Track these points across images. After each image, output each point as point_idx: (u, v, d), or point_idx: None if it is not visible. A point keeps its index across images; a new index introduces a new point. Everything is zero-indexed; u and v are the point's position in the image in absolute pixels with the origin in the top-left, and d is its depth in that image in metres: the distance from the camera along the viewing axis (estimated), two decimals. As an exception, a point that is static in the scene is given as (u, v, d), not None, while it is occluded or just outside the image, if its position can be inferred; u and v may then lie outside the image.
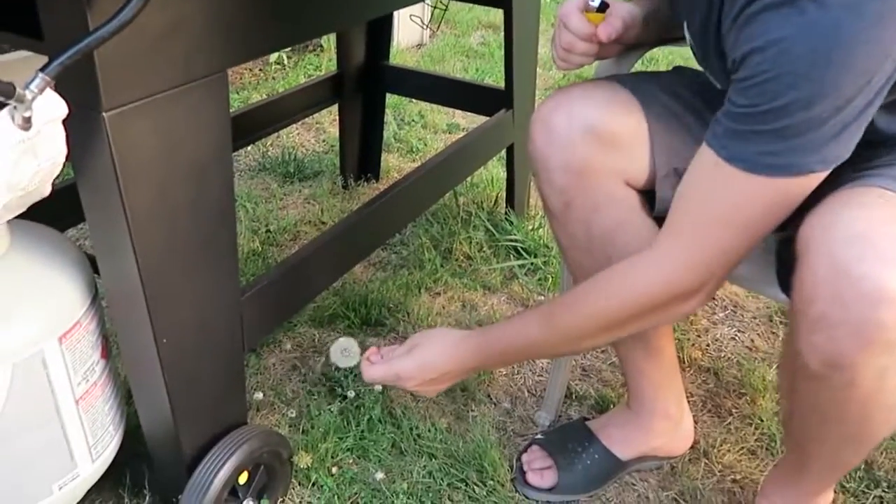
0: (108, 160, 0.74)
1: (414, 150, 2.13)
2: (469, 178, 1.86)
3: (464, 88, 1.76)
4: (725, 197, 0.74)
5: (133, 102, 0.74)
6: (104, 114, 0.72)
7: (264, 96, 2.41)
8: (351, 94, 1.80)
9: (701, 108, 0.93)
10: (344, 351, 1.05)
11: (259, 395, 1.21)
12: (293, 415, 1.18)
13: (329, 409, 1.19)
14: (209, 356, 0.92)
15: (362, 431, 1.15)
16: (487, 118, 1.60)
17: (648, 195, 0.95)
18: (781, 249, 0.85)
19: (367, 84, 1.79)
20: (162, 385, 0.86)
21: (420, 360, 0.93)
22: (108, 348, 0.90)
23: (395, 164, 2.04)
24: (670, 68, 1.03)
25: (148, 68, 0.74)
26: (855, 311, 0.64)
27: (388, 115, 2.28)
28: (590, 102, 0.90)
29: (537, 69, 2.75)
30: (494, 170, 1.93)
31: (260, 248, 1.60)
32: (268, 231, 1.67)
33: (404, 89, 1.84)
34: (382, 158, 1.96)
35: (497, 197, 1.81)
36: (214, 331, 0.92)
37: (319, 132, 2.24)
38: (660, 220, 0.96)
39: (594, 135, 0.89)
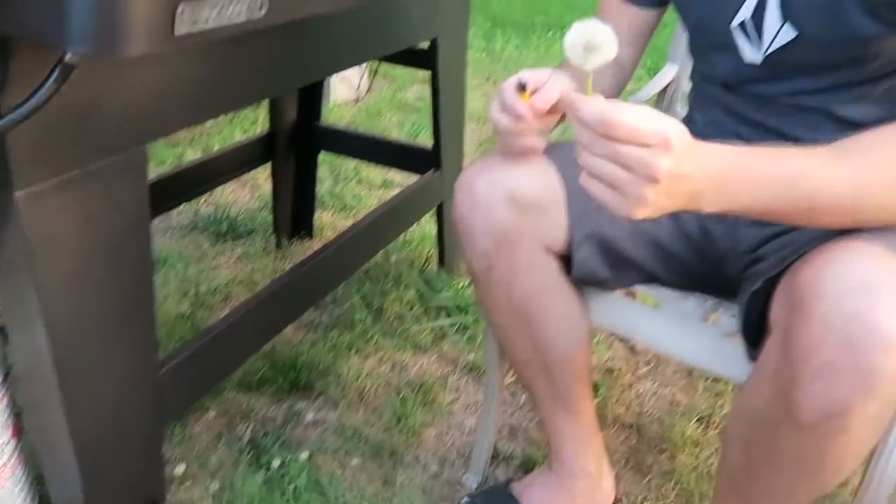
0: (20, 238, 0.73)
1: (348, 206, 2.14)
2: (402, 236, 1.88)
3: (394, 148, 1.79)
4: None
5: (46, 181, 0.74)
6: (16, 193, 0.71)
7: (199, 152, 2.40)
8: (283, 154, 1.82)
9: None
10: (587, 44, 0.70)
11: (181, 468, 1.18)
12: (216, 487, 1.16)
13: (254, 480, 1.17)
14: (124, 432, 0.90)
15: (287, 501, 1.14)
16: (420, 176, 1.63)
17: (569, 259, 0.98)
18: (752, 305, 0.86)
19: (299, 144, 1.81)
20: (74, 464, 0.84)
21: (661, 121, 0.67)
22: (20, 427, 0.87)
23: (329, 221, 2.05)
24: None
25: (62, 147, 0.74)
26: (865, 358, 0.66)
27: (324, 171, 2.30)
28: (511, 169, 0.93)
29: (472, 124, 2.83)
30: (427, 226, 1.96)
31: (189, 311, 1.58)
32: (197, 293, 1.65)
33: (337, 148, 1.86)
34: (317, 215, 1.98)
35: (429, 255, 1.84)
36: (130, 406, 0.90)
37: (254, 189, 2.24)
38: (578, 283, 1.01)
39: (515, 201, 0.92)
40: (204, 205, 2.12)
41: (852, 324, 0.67)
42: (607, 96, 1.04)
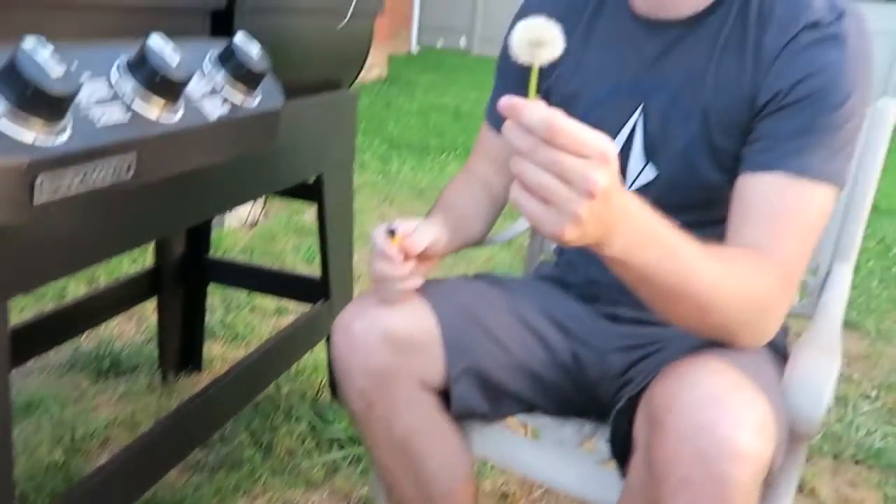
0: None
1: (240, 336, 2.11)
2: (294, 366, 1.86)
3: (284, 279, 1.80)
4: (804, 211, 0.84)
5: None
6: None
7: (83, 284, 2.33)
8: (170, 288, 1.79)
9: (500, 306, 1.02)
10: (533, 40, 0.68)
11: None
12: None
13: None
14: None
15: None
16: (312, 305, 1.64)
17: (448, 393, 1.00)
18: (618, 425, 0.90)
19: (187, 277, 1.79)
20: None
21: (600, 136, 0.65)
22: None
23: (219, 353, 2.01)
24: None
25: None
26: (717, 469, 0.70)
27: (215, 299, 2.26)
28: (386, 309, 0.96)
29: (367, 247, 2.87)
30: (321, 354, 1.95)
31: (62, 460, 1.49)
32: (73, 438, 1.56)
33: (226, 280, 1.85)
34: (206, 347, 1.93)
35: (321, 384, 1.82)
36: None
37: (141, 321, 2.18)
38: (458, 418, 1.02)
39: (391, 341, 0.94)
40: (85, 340, 2.03)
41: (702, 437, 0.72)
42: (482, 224, 1.11)
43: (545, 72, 1.01)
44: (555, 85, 1.03)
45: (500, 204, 1.14)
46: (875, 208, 4.76)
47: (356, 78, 1.55)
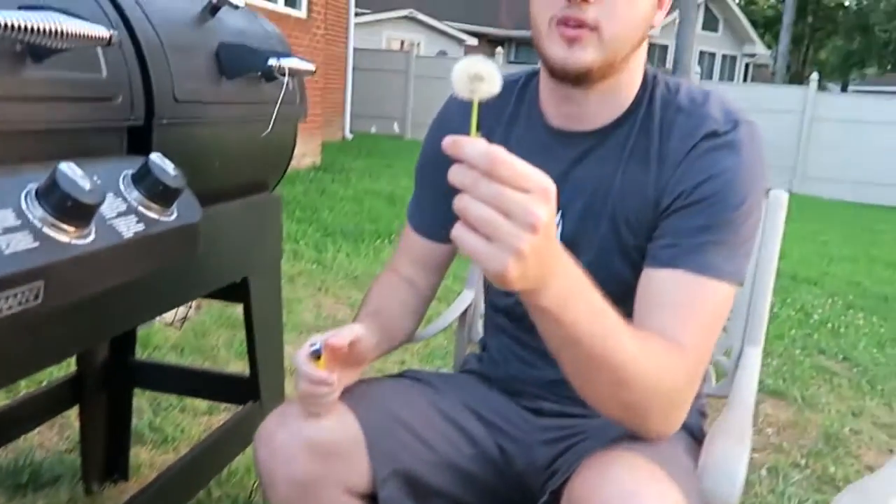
0: None
1: (169, 439, 2.04)
2: (226, 468, 1.80)
3: (213, 379, 1.77)
4: (706, 306, 0.89)
5: None
6: None
7: (1, 394, 2.23)
8: (94, 394, 1.73)
9: (426, 409, 1.03)
10: (473, 75, 0.68)
11: None
12: None
13: None
14: None
15: None
16: (242, 406, 1.61)
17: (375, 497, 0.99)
18: None
19: (111, 382, 1.74)
20: None
21: (540, 171, 0.65)
22: None
23: (147, 459, 1.93)
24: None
25: None
26: None
27: (143, 401, 2.19)
28: (308, 417, 0.96)
29: (303, 337, 2.83)
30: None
31: (-30, 589, 1.39)
32: (-17, 564, 1.47)
33: (152, 384, 1.81)
34: (134, 452, 1.86)
35: (254, 487, 1.77)
36: None
37: (63, 428, 2.09)
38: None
39: (314, 449, 0.94)
40: (3, 452, 1.93)
41: None
42: (411, 324, 1.13)
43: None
44: None
45: (427, 301, 1.17)
46: (793, 278, 5.00)
47: (281, 179, 1.58)
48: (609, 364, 0.78)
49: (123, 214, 0.83)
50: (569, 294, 0.73)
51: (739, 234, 0.91)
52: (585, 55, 0.88)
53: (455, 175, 0.64)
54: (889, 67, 28.44)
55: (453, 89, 0.69)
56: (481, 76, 0.67)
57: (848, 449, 2.49)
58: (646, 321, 0.87)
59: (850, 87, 24.26)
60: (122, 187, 0.85)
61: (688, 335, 0.87)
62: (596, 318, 0.77)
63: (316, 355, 0.87)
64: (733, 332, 1.30)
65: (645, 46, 0.97)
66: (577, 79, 0.91)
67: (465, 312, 1.46)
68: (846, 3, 32.12)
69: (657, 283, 0.91)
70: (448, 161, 1.05)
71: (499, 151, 0.63)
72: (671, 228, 0.92)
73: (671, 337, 0.86)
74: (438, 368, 2.85)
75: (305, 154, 7.81)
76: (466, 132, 1.07)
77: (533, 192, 0.63)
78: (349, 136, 11.61)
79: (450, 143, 0.64)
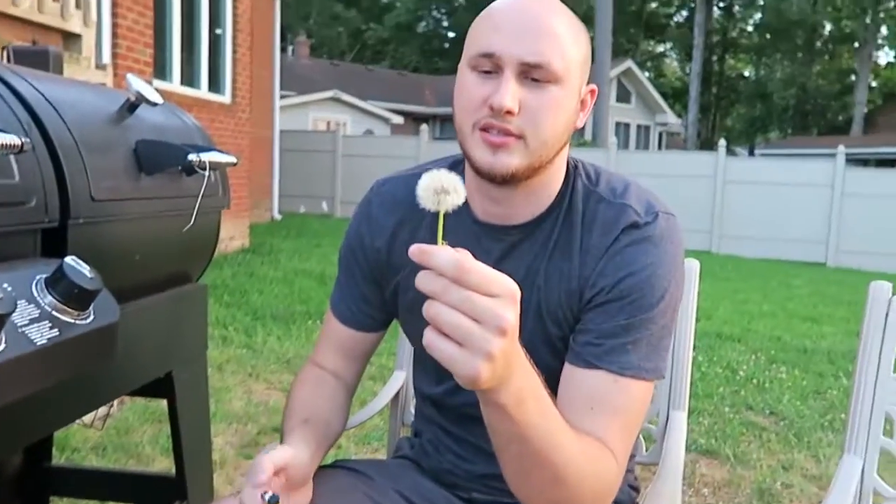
0: None
1: (91, 547, 1.92)
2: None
3: (135, 481, 1.69)
4: (630, 405, 0.91)
5: None
6: None
7: None
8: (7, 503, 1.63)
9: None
10: (438, 188, 0.71)
11: None
12: None
13: None
14: None
15: None
16: (168, 507, 1.54)
17: None
18: None
19: (25, 491, 1.64)
20: None
21: (504, 275, 0.68)
22: None
23: (65, 572, 1.81)
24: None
25: None
26: None
27: (62, 510, 2.07)
28: None
29: (234, 425, 2.75)
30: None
31: None
32: None
33: (70, 491, 1.71)
34: (51, 566, 1.74)
35: None
36: None
37: (-28, 545, 1.94)
38: None
39: None
40: None
41: None
42: (342, 420, 1.11)
43: (395, 268, 1.06)
44: (404, 281, 1.06)
45: (353, 392, 1.15)
46: (718, 336, 5.16)
47: (206, 268, 1.56)
48: (551, 462, 0.80)
49: (36, 321, 0.81)
50: (525, 392, 0.75)
51: (659, 328, 0.93)
52: (511, 160, 0.90)
53: (423, 283, 0.66)
54: (790, 131, 30.38)
55: (420, 203, 0.71)
56: (447, 190, 0.70)
57: (781, 504, 2.54)
58: (572, 422, 0.87)
59: (757, 151, 25.72)
60: (35, 293, 0.83)
61: (616, 439, 0.89)
62: (545, 416, 0.79)
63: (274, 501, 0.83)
64: (659, 398, 1.33)
65: (568, 144, 0.98)
66: (503, 181, 0.92)
67: (397, 394, 1.45)
68: (746, 74, 34.41)
69: (581, 383, 0.92)
70: (369, 250, 1.07)
71: (467, 259, 0.65)
72: (593, 325, 0.93)
73: (600, 439, 0.89)
74: (375, 450, 2.81)
75: (234, 237, 7.73)
76: (388, 227, 1.08)
77: (501, 296, 0.66)
78: (278, 216, 11.56)
79: (417, 252, 0.65)
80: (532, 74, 0.88)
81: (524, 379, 0.74)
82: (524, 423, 0.76)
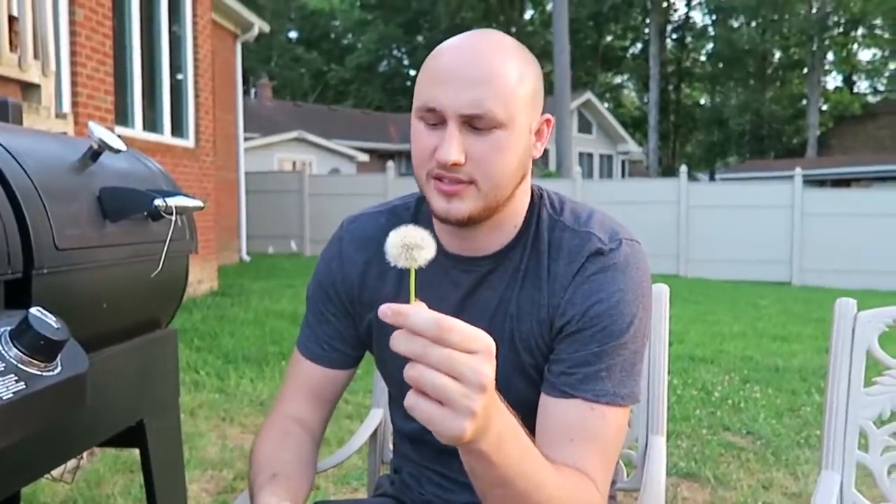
0: None
1: None
2: None
3: (109, 537, 1.63)
4: (607, 433, 0.91)
5: None
6: None
7: None
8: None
9: None
10: (407, 244, 0.70)
11: None
12: None
13: None
14: None
15: None
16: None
17: None
18: None
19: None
20: None
21: (478, 330, 0.68)
22: None
23: None
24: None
25: None
26: None
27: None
28: None
29: (209, 472, 2.67)
30: None
31: None
32: None
33: (39, 550, 1.65)
34: None
35: None
36: None
37: None
38: None
39: None
40: None
41: None
42: (312, 470, 1.08)
43: (367, 304, 1.05)
44: (377, 320, 1.04)
45: (319, 441, 1.11)
46: (692, 358, 5.20)
47: (175, 314, 1.54)
48: (533, 500, 0.80)
49: (2, 374, 0.78)
50: (504, 435, 0.75)
51: (631, 353, 0.94)
52: (465, 205, 0.91)
53: (400, 344, 0.65)
54: (748, 155, 31.11)
55: (391, 262, 0.71)
56: (418, 245, 0.70)
57: (763, 524, 2.55)
58: (551, 453, 0.88)
59: (717, 175, 26.27)
60: (-1, 345, 0.81)
61: (595, 468, 0.90)
62: (525, 456, 0.79)
63: None
64: (637, 423, 1.34)
65: (529, 174, 0.99)
66: (460, 225, 0.93)
67: (375, 432, 1.44)
68: (702, 102, 35.26)
69: (558, 413, 0.92)
70: (342, 285, 1.06)
71: (445, 318, 0.65)
72: (566, 355, 0.94)
73: (580, 468, 0.89)
74: (354, 490, 2.76)
75: (202, 280, 7.63)
76: (359, 263, 1.06)
77: (480, 352, 0.66)
78: (246, 257, 11.47)
79: (391, 312, 0.65)
80: (474, 124, 0.88)
81: (502, 423, 0.75)
82: (505, 465, 0.76)
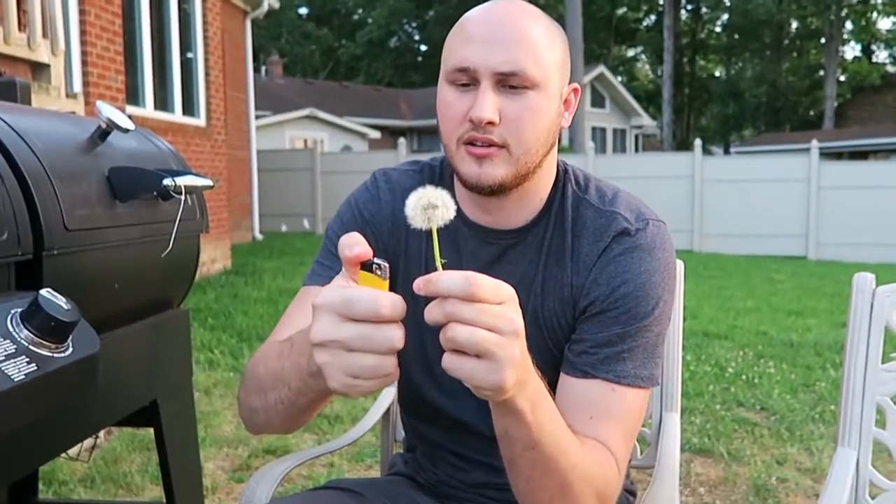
0: None
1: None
2: None
3: (127, 514, 1.66)
4: (627, 414, 0.91)
5: None
6: None
7: None
8: (-8, 547, 1.59)
9: None
10: (426, 205, 0.70)
11: None
12: None
13: None
14: None
15: None
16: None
17: None
18: None
19: (11, 531, 1.61)
20: None
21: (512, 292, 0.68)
22: None
23: None
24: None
25: None
26: None
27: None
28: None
29: (225, 449, 2.69)
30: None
31: None
32: None
33: (59, 527, 1.68)
34: None
35: None
36: None
37: (-41, 589, 1.89)
38: None
39: None
40: None
41: None
42: None
43: (392, 249, 1.02)
44: (401, 278, 1.02)
45: None
46: (705, 334, 5.18)
47: (187, 293, 1.54)
48: (559, 467, 0.80)
49: (13, 357, 0.79)
50: (538, 394, 0.75)
51: (654, 336, 0.93)
52: (496, 171, 0.90)
53: (433, 313, 0.65)
54: (763, 128, 30.75)
55: (410, 223, 0.70)
56: (435, 205, 0.69)
57: (777, 499, 2.54)
58: (572, 429, 0.86)
59: (732, 149, 26.01)
60: (10, 327, 0.81)
61: (615, 444, 0.89)
62: (554, 418, 0.79)
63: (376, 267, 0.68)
64: (651, 400, 1.32)
65: (556, 145, 0.98)
66: (491, 192, 0.92)
67: (388, 410, 1.44)
68: (717, 74, 34.81)
69: (578, 392, 0.92)
70: (375, 226, 1.01)
71: (473, 275, 0.65)
72: (588, 335, 0.93)
73: (601, 442, 0.88)
74: (368, 467, 2.78)
75: (215, 259, 7.67)
76: (391, 209, 1.01)
77: (507, 301, 0.67)
78: (259, 236, 11.49)
79: (423, 284, 0.65)
80: (509, 82, 0.88)
81: (536, 381, 0.75)
82: (538, 426, 0.76)
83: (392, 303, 0.64)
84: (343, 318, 0.65)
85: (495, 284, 0.66)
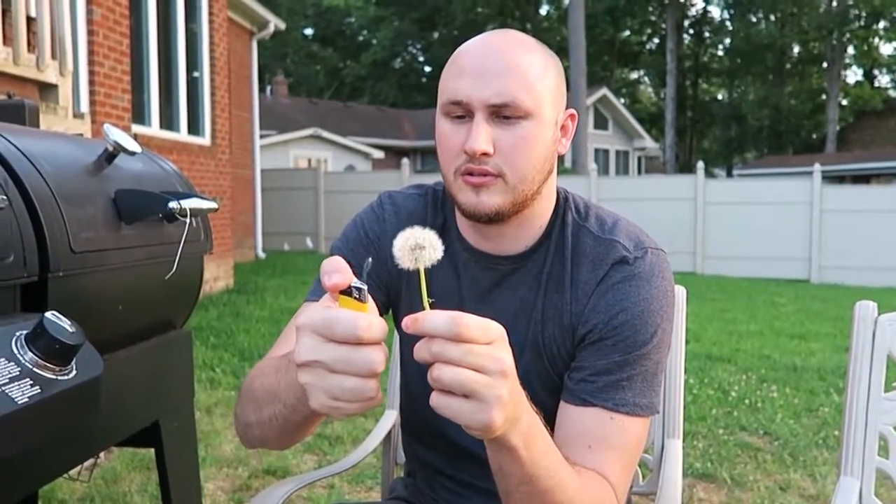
0: None
1: None
2: None
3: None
4: (626, 442, 0.91)
5: None
6: None
7: None
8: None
9: None
10: (414, 245, 0.70)
11: None
12: None
13: None
14: None
15: None
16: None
17: None
18: None
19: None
20: None
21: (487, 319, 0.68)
22: None
23: None
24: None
25: None
26: None
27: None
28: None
29: (225, 469, 2.69)
30: None
31: None
32: None
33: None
34: None
35: None
36: None
37: None
38: None
39: None
40: None
41: None
42: None
43: (394, 272, 1.02)
44: (405, 299, 1.03)
45: None
46: (708, 357, 5.16)
47: (190, 314, 1.54)
48: (556, 500, 0.80)
49: (17, 379, 0.79)
50: (532, 429, 0.75)
51: (653, 364, 0.94)
52: (493, 199, 0.91)
53: (421, 352, 0.66)
54: (765, 151, 30.83)
55: (398, 263, 0.71)
56: (421, 245, 0.70)
57: (780, 526, 2.52)
58: (570, 459, 0.86)
59: (735, 172, 26.06)
60: (15, 350, 0.81)
61: (614, 475, 0.89)
62: (549, 452, 0.79)
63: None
64: (653, 426, 1.32)
65: (555, 172, 0.99)
66: (489, 220, 0.93)
67: (389, 433, 1.43)
68: (719, 97, 35.00)
69: (577, 421, 0.92)
70: (380, 248, 1.02)
71: (460, 316, 0.65)
72: (587, 363, 0.93)
73: (599, 472, 0.88)
74: (369, 489, 2.76)
75: (218, 277, 7.67)
76: (396, 232, 1.03)
77: (495, 341, 0.67)
78: (262, 255, 11.51)
79: (411, 322, 0.65)
80: (502, 113, 0.89)
81: (529, 416, 0.75)
82: (532, 462, 0.76)
83: (369, 325, 0.64)
84: (324, 339, 0.65)
85: (483, 324, 0.66)
